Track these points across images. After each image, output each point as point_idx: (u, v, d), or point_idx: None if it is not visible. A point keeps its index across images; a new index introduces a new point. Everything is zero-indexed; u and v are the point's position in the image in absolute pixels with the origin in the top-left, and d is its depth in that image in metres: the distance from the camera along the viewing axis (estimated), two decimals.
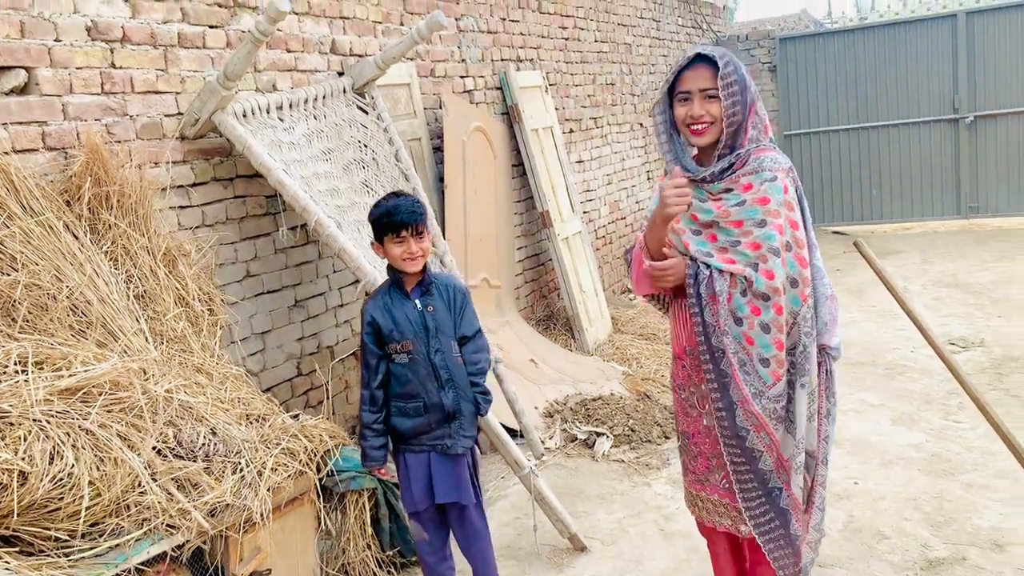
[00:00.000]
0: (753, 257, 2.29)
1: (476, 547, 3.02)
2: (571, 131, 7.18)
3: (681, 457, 2.66)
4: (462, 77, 5.70)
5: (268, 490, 2.67)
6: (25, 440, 2.11)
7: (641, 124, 8.78)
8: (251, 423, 2.92)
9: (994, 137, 10.20)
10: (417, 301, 2.84)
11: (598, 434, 4.79)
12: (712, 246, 2.36)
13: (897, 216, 10.86)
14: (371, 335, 2.83)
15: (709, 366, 2.37)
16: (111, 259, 3.05)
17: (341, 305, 4.55)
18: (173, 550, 2.42)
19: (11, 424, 2.13)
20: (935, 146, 10.47)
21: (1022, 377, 5.25)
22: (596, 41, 7.75)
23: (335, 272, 4.50)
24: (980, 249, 9.14)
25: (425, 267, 2.87)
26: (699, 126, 2.35)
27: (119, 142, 3.30)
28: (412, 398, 2.83)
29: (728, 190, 2.34)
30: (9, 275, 2.62)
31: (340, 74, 4.46)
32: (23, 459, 2.07)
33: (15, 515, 2.04)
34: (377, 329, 2.82)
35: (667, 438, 4.77)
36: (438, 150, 5.34)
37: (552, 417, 5.12)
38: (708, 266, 2.35)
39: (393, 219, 2.73)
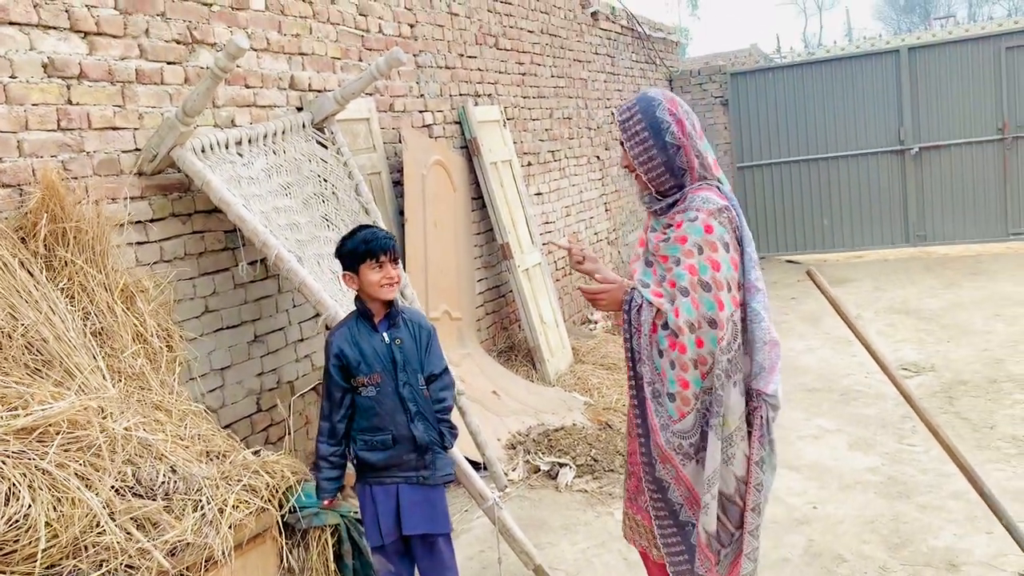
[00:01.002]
0: (670, 294, 2.31)
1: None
2: (529, 164, 7.27)
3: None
4: (421, 111, 5.76)
5: (229, 527, 2.64)
6: None
7: (598, 157, 8.91)
8: (211, 460, 2.88)
9: (939, 167, 10.54)
10: (385, 334, 2.85)
11: (561, 464, 4.81)
12: (653, 278, 2.40)
13: (848, 244, 11.13)
14: (337, 367, 2.83)
15: (634, 391, 2.45)
16: (67, 296, 3.01)
17: (301, 339, 4.52)
18: None
19: None
20: (883, 176, 10.77)
21: (971, 400, 5.39)
22: (552, 76, 7.88)
23: (295, 307, 4.48)
24: (929, 276, 9.39)
25: (393, 300, 2.89)
26: (629, 172, 2.47)
27: (76, 178, 3.27)
28: (379, 431, 2.83)
29: (669, 225, 2.38)
30: None
31: (299, 109, 4.48)
32: None
33: None
34: (345, 362, 2.83)
35: None
36: (398, 184, 5.37)
37: (515, 448, 5.12)
38: (642, 296, 2.40)
39: (372, 245, 2.78)
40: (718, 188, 2.39)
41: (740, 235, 2.36)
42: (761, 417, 2.37)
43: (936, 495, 4.12)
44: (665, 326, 2.30)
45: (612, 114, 2.58)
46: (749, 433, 2.37)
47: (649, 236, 2.45)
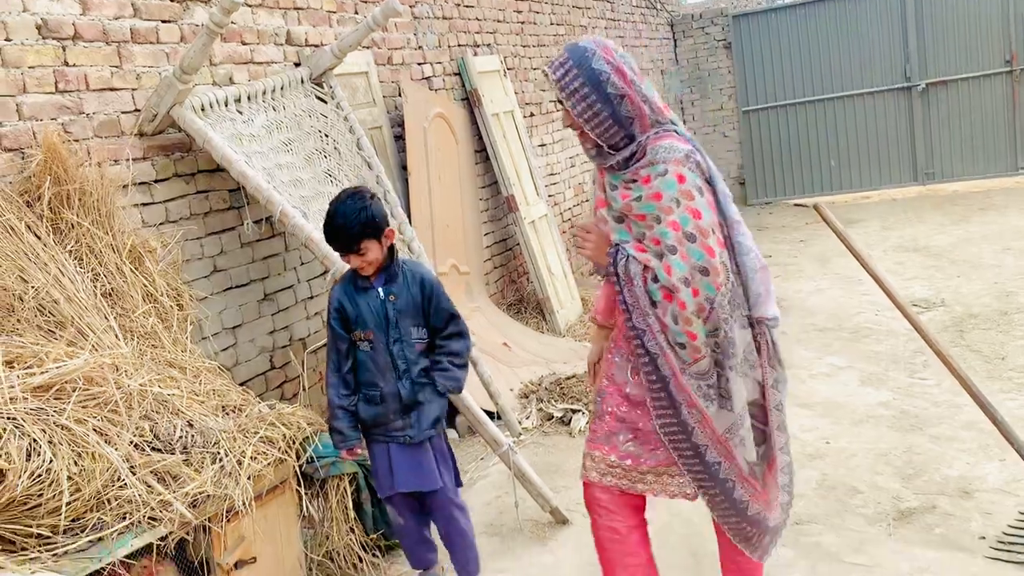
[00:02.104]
0: (656, 251, 2.23)
1: (451, 529, 3.06)
2: (532, 115, 7.21)
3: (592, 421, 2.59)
4: (420, 64, 5.70)
5: (249, 479, 2.68)
6: (1, 438, 2.09)
7: None
8: (227, 414, 2.91)
9: (946, 103, 10.40)
10: (380, 290, 2.87)
11: (574, 411, 4.84)
12: (629, 235, 2.31)
13: (856, 186, 11.04)
14: (338, 320, 2.88)
15: (637, 342, 2.34)
16: (76, 258, 3.02)
17: (311, 297, 4.54)
18: (157, 542, 2.41)
19: None
20: (889, 115, 10.65)
21: (982, 333, 5.38)
22: (552, 24, 7.77)
23: (303, 264, 4.49)
24: (937, 213, 9.32)
25: (393, 254, 2.89)
26: (575, 130, 2.32)
27: (77, 140, 3.26)
28: (372, 386, 2.88)
29: (633, 180, 2.25)
30: None
31: (297, 65, 4.45)
32: (0, 457, 2.06)
33: None
34: (344, 315, 2.87)
35: None
36: (399, 138, 5.33)
37: (528, 398, 5.16)
38: (626, 251, 2.31)
39: (329, 240, 2.82)
40: (675, 132, 2.27)
41: (709, 175, 2.27)
42: (767, 342, 2.37)
43: (949, 426, 4.14)
44: (655, 279, 2.23)
45: (544, 72, 2.40)
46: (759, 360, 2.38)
47: (611, 195, 2.32)
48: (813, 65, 10.85)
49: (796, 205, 11.24)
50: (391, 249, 2.89)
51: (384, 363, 2.87)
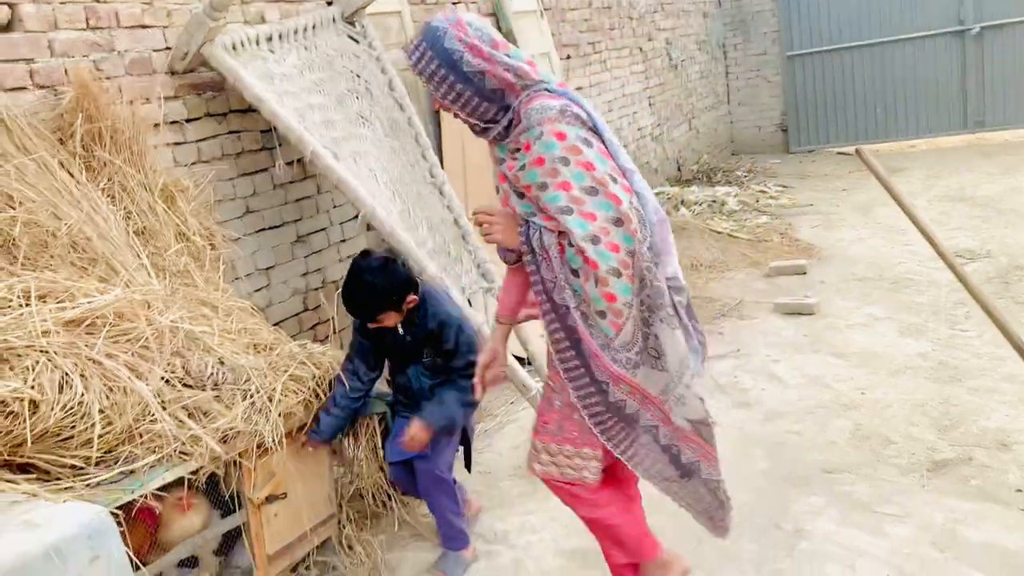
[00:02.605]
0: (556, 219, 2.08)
1: (430, 502, 3.13)
2: (568, 57, 7.06)
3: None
4: (455, 2, 5.59)
5: (279, 415, 2.70)
6: (33, 370, 2.13)
7: (640, 49, 8.63)
8: (259, 352, 2.93)
9: (1001, 48, 9.99)
10: (399, 326, 2.94)
11: None
12: (532, 206, 2.14)
13: (902, 134, 10.72)
14: (360, 330, 3.01)
15: (556, 325, 2.16)
16: (108, 196, 3.04)
17: (343, 240, 4.54)
18: (188, 476, 2.45)
19: (18, 355, 2.15)
20: (940, 59, 10.27)
21: None
22: None
23: (335, 207, 4.48)
24: (986, 163, 9.03)
25: (422, 296, 2.91)
26: (447, 111, 2.18)
27: (108, 78, 3.25)
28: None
29: (517, 149, 2.11)
30: (6, 213, 2.61)
31: (329, 3, 4.38)
32: (32, 388, 2.09)
33: (29, 443, 2.07)
34: (366, 333, 2.99)
35: None
36: None
37: None
38: (537, 224, 2.13)
39: (346, 306, 2.91)
40: (547, 91, 2.10)
41: (593, 124, 2.11)
42: (673, 304, 2.16)
43: (989, 378, 4.05)
44: (571, 244, 2.06)
45: (404, 55, 2.20)
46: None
47: (503, 168, 2.17)
48: (860, 8, 10.47)
49: (839, 153, 10.97)
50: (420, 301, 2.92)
51: (402, 382, 3.07)
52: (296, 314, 4.18)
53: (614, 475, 2.49)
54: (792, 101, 11.23)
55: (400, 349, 2.99)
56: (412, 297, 2.85)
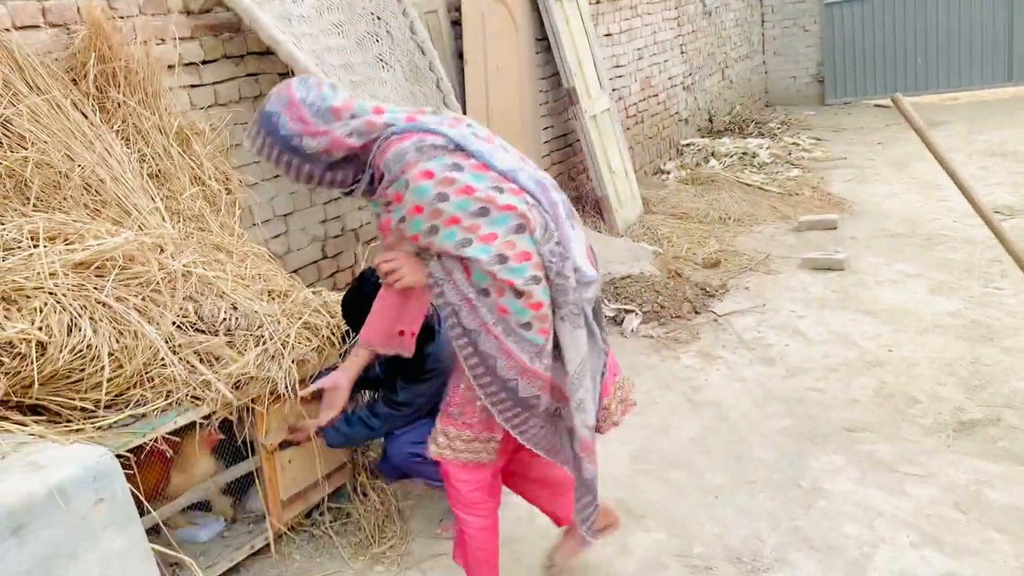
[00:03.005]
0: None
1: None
2: (598, 1, 6.87)
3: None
4: None
5: (293, 363, 2.68)
6: (41, 312, 2.11)
7: None
8: (273, 299, 2.90)
9: None
10: None
11: (626, 311, 4.76)
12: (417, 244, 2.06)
13: (943, 85, 10.40)
14: None
15: (470, 349, 2.06)
16: (122, 138, 3.00)
17: None
18: (201, 420, 2.44)
19: (26, 296, 2.13)
20: (986, 7, 9.90)
21: None
22: None
23: None
24: None
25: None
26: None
27: (122, 17, 3.19)
28: None
29: (389, 203, 2.00)
30: (18, 153, 2.58)
31: None
32: (40, 330, 2.08)
33: (36, 385, 2.07)
34: None
35: (697, 313, 4.72)
36: (456, 23, 5.12)
37: None
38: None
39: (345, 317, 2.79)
40: (395, 134, 1.96)
41: (455, 143, 1.96)
42: (579, 301, 2.07)
43: (1022, 338, 3.93)
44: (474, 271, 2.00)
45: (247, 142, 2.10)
46: None
47: (382, 223, 2.06)
48: None
49: (876, 106, 10.67)
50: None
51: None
52: (314, 262, 4.15)
53: (514, 473, 2.45)
54: (829, 51, 10.91)
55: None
56: None
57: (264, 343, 2.66)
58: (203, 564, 2.66)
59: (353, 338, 2.77)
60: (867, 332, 4.23)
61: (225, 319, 2.65)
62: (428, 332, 2.69)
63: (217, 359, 2.53)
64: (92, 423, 2.19)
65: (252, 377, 2.56)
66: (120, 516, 1.86)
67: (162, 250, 2.63)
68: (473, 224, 1.94)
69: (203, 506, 2.89)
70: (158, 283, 2.46)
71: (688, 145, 8.49)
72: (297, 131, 1.92)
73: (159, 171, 3.05)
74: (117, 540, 1.85)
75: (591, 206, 6.40)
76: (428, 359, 2.72)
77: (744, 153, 8.12)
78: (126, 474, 1.95)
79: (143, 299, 2.39)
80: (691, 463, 3.27)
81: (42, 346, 2.09)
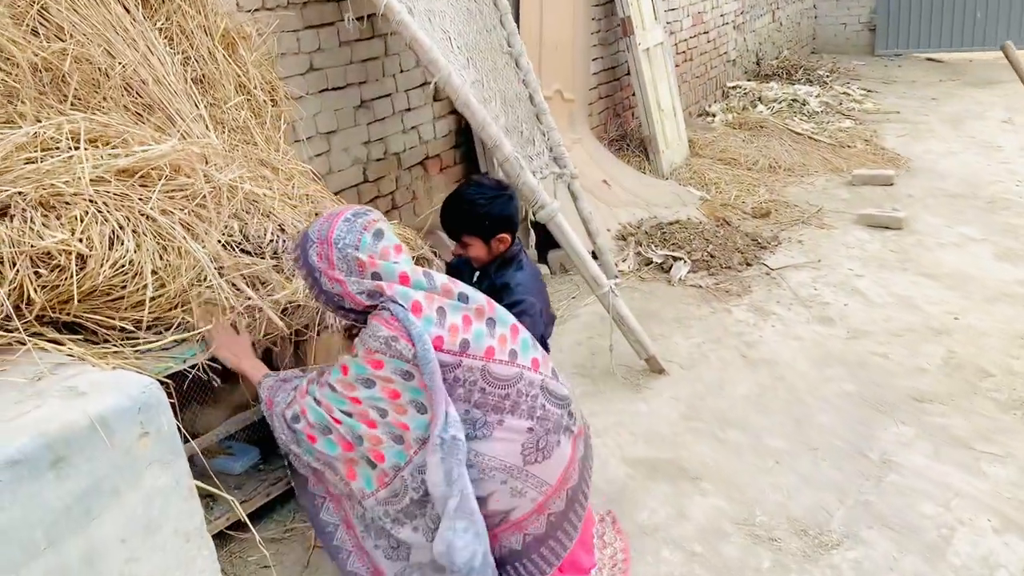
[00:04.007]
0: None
1: None
2: None
3: None
4: None
5: (317, 301, 2.48)
6: (81, 221, 1.91)
7: None
8: None
9: None
10: (477, 269, 2.67)
11: (675, 258, 4.54)
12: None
13: (1003, 41, 9.95)
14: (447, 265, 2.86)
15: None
16: (166, 37, 2.75)
17: (408, 109, 4.24)
18: None
19: (65, 203, 1.93)
20: None
21: None
22: None
23: (402, 72, 4.16)
24: None
25: (512, 255, 2.61)
26: None
27: None
28: None
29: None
30: (57, 44, 2.35)
31: None
32: (80, 241, 1.88)
33: (75, 300, 1.88)
34: (449, 268, 2.79)
35: (748, 265, 4.50)
36: None
37: (625, 240, 4.87)
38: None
39: (441, 221, 2.63)
40: (387, 310, 1.98)
41: (417, 362, 1.94)
42: None
43: None
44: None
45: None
46: None
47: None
48: None
49: (928, 59, 10.25)
50: (508, 251, 2.60)
51: None
52: (355, 185, 3.94)
53: None
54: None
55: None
56: (504, 236, 2.55)
57: None
58: (238, 498, 2.52)
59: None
60: (930, 297, 4.02)
61: (272, 240, 2.45)
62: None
63: (263, 283, 2.34)
64: (132, 345, 2.01)
65: (299, 305, 2.38)
66: (165, 451, 1.69)
67: (207, 161, 2.41)
68: (366, 412, 1.99)
69: (237, 437, 2.74)
70: (204, 197, 2.25)
71: (734, 88, 8.15)
72: (320, 268, 2.00)
73: (203, 76, 2.82)
74: (161, 476, 1.69)
75: (636, 146, 6.14)
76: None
77: (794, 100, 7.79)
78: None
79: (188, 213, 2.19)
80: (747, 423, 3.10)
81: (82, 259, 1.90)
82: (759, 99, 7.85)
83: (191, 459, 2.19)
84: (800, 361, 3.51)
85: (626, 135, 6.30)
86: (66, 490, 1.53)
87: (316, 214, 2.73)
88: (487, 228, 2.54)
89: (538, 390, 2.05)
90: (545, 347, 2.61)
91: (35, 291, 1.82)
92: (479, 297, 2.08)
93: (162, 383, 2.06)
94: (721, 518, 2.58)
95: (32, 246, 1.82)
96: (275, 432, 2.14)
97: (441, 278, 2.07)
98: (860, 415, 3.09)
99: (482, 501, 2.00)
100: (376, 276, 2.00)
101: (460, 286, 2.08)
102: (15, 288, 1.80)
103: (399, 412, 1.98)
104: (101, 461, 1.57)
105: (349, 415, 2.01)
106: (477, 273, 2.64)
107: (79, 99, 2.39)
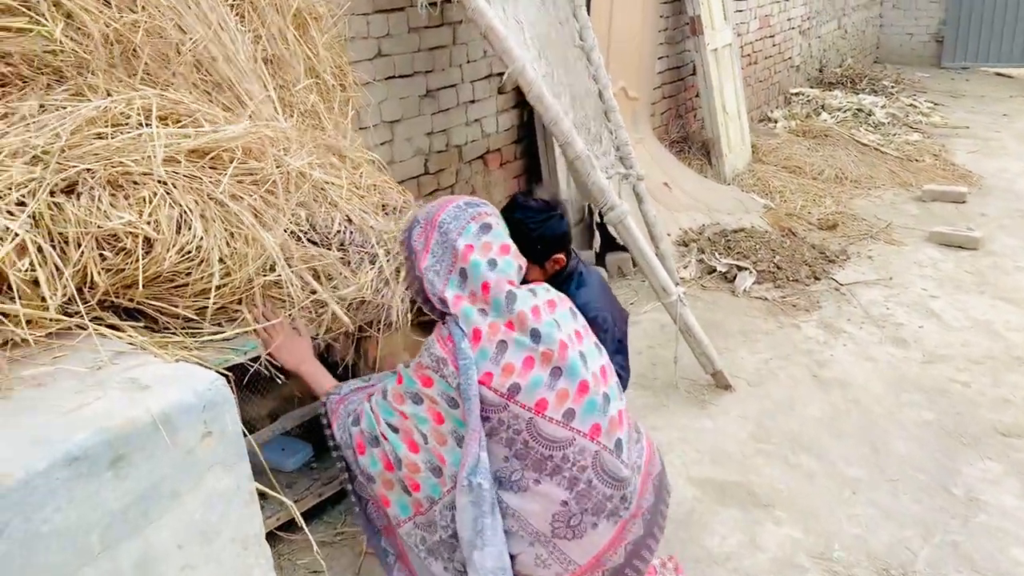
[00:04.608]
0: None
1: None
2: None
3: None
4: None
5: (406, 289, 2.36)
6: (149, 203, 1.81)
7: None
8: (387, 214, 2.59)
9: None
10: None
11: (740, 268, 4.37)
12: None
13: None
14: None
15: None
16: (237, 14, 2.65)
17: (472, 101, 4.11)
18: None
19: (134, 183, 1.83)
20: None
21: None
22: None
23: (469, 62, 4.04)
24: None
25: (573, 271, 2.47)
26: None
27: None
28: None
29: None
30: (128, 16, 2.26)
31: None
32: (148, 224, 1.78)
33: (140, 286, 1.78)
34: None
35: (816, 279, 4.32)
36: None
37: (687, 246, 4.70)
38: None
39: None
40: (448, 330, 1.86)
41: (456, 396, 1.82)
42: None
43: None
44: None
45: None
46: None
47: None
48: None
49: (998, 74, 9.92)
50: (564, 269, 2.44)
51: None
52: (415, 176, 3.83)
53: None
54: (955, 9, 10.13)
55: None
56: (559, 256, 2.39)
57: (378, 263, 2.35)
58: (290, 496, 2.42)
59: None
60: (1011, 323, 3.81)
61: (339, 231, 2.34)
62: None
63: (329, 277, 2.23)
64: (193, 334, 1.91)
65: (366, 301, 2.26)
66: (229, 452, 1.58)
67: (278, 145, 2.31)
68: (410, 431, 1.88)
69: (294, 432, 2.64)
70: (275, 183, 2.14)
71: (797, 94, 7.93)
72: (417, 251, 1.91)
73: (274, 56, 2.71)
74: (224, 479, 1.58)
75: (698, 148, 5.96)
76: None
77: (859, 110, 7.54)
78: None
79: (258, 199, 2.08)
80: (820, 447, 2.94)
81: (148, 242, 1.80)
82: (822, 107, 7.62)
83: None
84: (874, 384, 3.33)
85: (688, 137, 6.13)
86: (124, 491, 1.42)
87: (383, 206, 2.62)
88: (540, 252, 2.36)
89: (589, 461, 1.80)
90: (624, 350, 2.47)
91: (99, 274, 1.72)
92: (556, 336, 1.83)
93: (222, 375, 1.97)
94: (797, 550, 2.43)
95: (99, 227, 1.72)
96: (336, 436, 2.03)
97: (527, 300, 1.87)
98: (941, 446, 2.91)
99: (512, 559, 1.84)
100: (463, 274, 1.86)
101: (542, 319, 1.85)
102: (79, 270, 1.71)
103: (439, 441, 1.84)
104: (162, 461, 1.47)
105: (396, 431, 1.89)
106: None
107: (148, 74, 2.29)
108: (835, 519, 2.56)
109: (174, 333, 1.91)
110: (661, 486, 2.00)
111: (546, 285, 2.02)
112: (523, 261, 1.97)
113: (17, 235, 1.58)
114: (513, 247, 1.95)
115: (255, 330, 2.03)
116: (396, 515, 1.94)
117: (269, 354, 2.05)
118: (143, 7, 2.32)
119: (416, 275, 1.90)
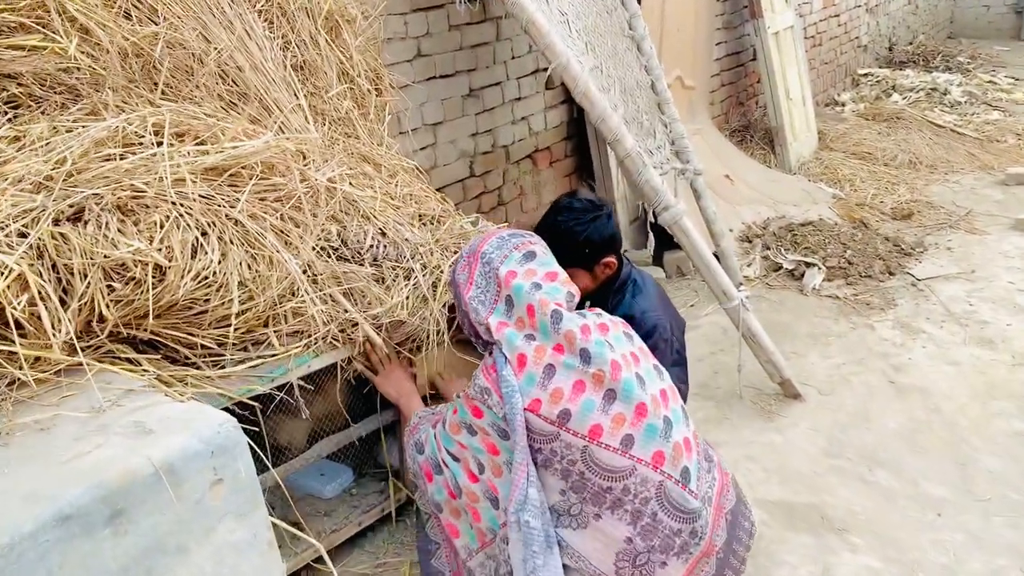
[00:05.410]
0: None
1: None
2: None
3: None
4: None
5: (444, 306, 2.22)
6: (162, 227, 1.70)
7: None
8: (424, 224, 2.45)
9: None
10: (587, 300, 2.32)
11: (808, 264, 4.12)
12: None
13: None
14: None
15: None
16: (265, 20, 2.54)
17: (518, 98, 3.95)
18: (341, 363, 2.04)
19: (145, 206, 1.72)
20: None
21: None
22: None
23: (513, 58, 3.87)
24: None
25: (626, 277, 2.34)
26: None
27: None
28: None
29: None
30: (148, 27, 2.16)
31: None
32: (159, 251, 1.67)
33: (151, 316, 1.67)
34: None
35: (891, 274, 4.04)
36: None
37: (751, 242, 4.47)
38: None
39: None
40: (491, 358, 1.78)
41: (504, 426, 1.72)
42: None
43: None
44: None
45: None
46: None
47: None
48: None
49: None
50: (617, 275, 2.28)
51: None
52: (460, 180, 3.68)
53: None
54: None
55: None
56: (610, 260, 2.23)
57: (415, 278, 2.21)
58: (327, 526, 2.31)
59: None
60: None
61: (372, 246, 2.21)
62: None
63: (362, 295, 2.10)
64: (213, 363, 1.80)
65: (400, 321, 2.13)
66: (242, 501, 1.46)
67: (305, 158, 2.18)
68: (468, 461, 1.81)
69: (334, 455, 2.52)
70: (300, 199, 2.02)
71: (866, 75, 7.55)
72: (458, 282, 1.89)
73: (304, 62, 2.60)
74: (236, 530, 1.46)
75: (760, 137, 5.69)
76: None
77: (933, 89, 7.14)
78: (249, 430, 1.56)
79: (281, 218, 1.96)
80: (900, 464, 2.70)
81: (160, 270, 1.69)
82: (893, 88, 7.23)
83: (275, 485, 1.97)
84: (959, 391, 3.07)
85: (749, 125, 5.86)
86: (124, 549, 1.31)
87: (419, 216, 2.49)
88: (589, 256, 2.20)
89: (652, 493, 1.65)
90: (683, 361, 2.29)
91: (107, 307, 1.61)
92: (608, 356, 1.69)
93: (248, 405, 1.85)
94: None
95: (105, 256, 1.61)
96: (408, 464, 2.02)
97: (575, 320, 1.73)
98: None
99: None
100: (509, 301, 1.77)
101: (591, 338, 1.71)
102: (86, 303, 1.60)
103: (495, 473, 1.74)
104: (166, 515, 1.35)
105: (456, 460, 1.80)
106: (588, 304, 2.30)
107: (170, 87, 2.19)
108: (918, 546, 2.33)
109: (194, 364, 1.80)
110: (735, 523, 1.82)
111: (598, 310, 1.88)
112: (575, 288, 1.84)
113: (13, 270, 1.48)
114: (562, 275, 1.84)
115: (361, 360, 2.10)
116: (467, 545, 1.86)
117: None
118: (164, 18, 2.22)
119: (463, 309, 1.86)
